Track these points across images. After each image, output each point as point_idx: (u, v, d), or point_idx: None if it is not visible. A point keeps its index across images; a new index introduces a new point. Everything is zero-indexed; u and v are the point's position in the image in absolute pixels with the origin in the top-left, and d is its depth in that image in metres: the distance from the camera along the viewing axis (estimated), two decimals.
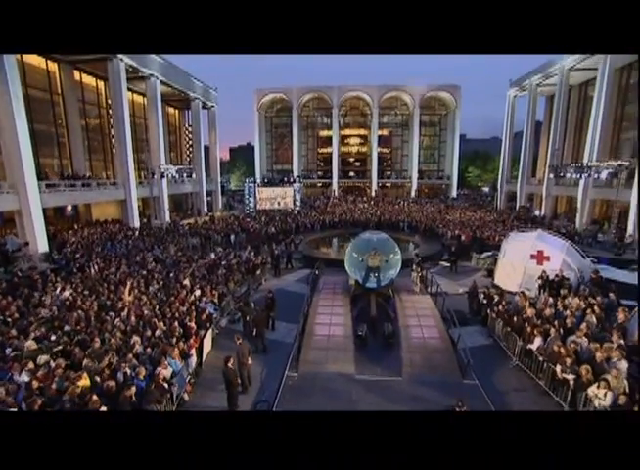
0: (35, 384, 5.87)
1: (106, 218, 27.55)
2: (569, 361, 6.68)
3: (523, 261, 13.70)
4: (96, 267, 12.94)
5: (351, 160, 53.84)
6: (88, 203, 26.19)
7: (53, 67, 25.05)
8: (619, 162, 21.20)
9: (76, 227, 23.93)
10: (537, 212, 33.44)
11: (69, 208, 26.27)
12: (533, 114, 36.25)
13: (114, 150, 29.82)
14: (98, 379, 6.07)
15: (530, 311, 9.10)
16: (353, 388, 7.60)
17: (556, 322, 8.31)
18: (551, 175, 29.85)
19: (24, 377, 6.06)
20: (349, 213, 30.31)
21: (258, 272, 14.44)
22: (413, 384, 7.71)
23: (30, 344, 6.98)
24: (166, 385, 6.25)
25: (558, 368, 6.79)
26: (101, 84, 29.80)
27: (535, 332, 7.98)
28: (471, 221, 26.76)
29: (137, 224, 26.19)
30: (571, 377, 6.46)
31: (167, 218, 29.83)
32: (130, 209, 26.33)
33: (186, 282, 11.11)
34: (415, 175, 48.20)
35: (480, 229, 22.92)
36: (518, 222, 26.63)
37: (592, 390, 5.92)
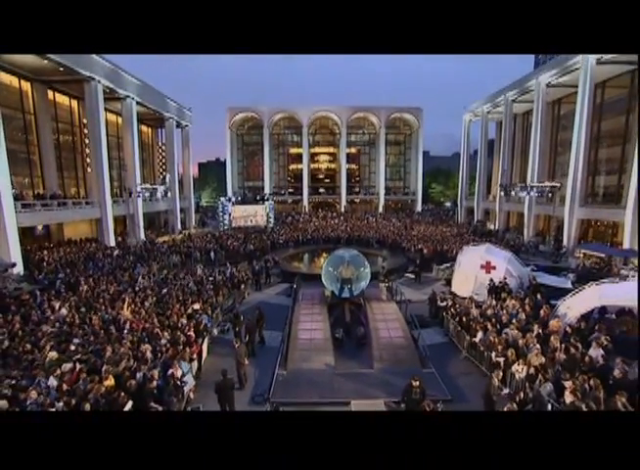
0: (64, 387, 6.87)
1: (79, 237, 27.41)
2: (500, 348, 8.63)
3: (474, 271, 15.77)
4: (86, 286, 13.60)
5: (321, 176, 56.10)
6: (61, 222, 26.06)
7: (26, 86, 25.17)
8: (552, 183, 24.64)
9: (50, 246, 23.82)
10: (492, 226, 36.87)
11: (40, 227, 25.94)
12: (486, 138, 40.37)
13: (88, 169, 29.92)
14: (120, 380, 7.15)
15: (475, 312, 11.14)
16: (334, 379, 9.12)
17: (493, 319, 10.35)
18: (501, 193, 33.44)
19: (53, 382, 7.02)
20: (321, 230, 31.85)
21: (242, 287, 15.68)
22: (383, 374, 9.39)
23: (53, 354, 7.89)
24: (179, 382, 7.44)
25: (493, 354, 8.72)
26: (74, 103, 29.97)
27: (478, 328, 9.95)
28: (433, 236, 28.98)
29: (113, 243, 26.37)
30: (501, 360, 8.39)
31: (142, 236, 30.11)
32: (106, 227, 26.52)
33: (180, 296, 12.19)
34: (382, 191, 50.98)
35: (440, 243, 25.17)
36: (474, 236, 29.22)
37: (514, 367, 7.83)
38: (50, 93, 26.92)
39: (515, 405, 6.41)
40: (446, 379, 9.15)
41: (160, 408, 6.74)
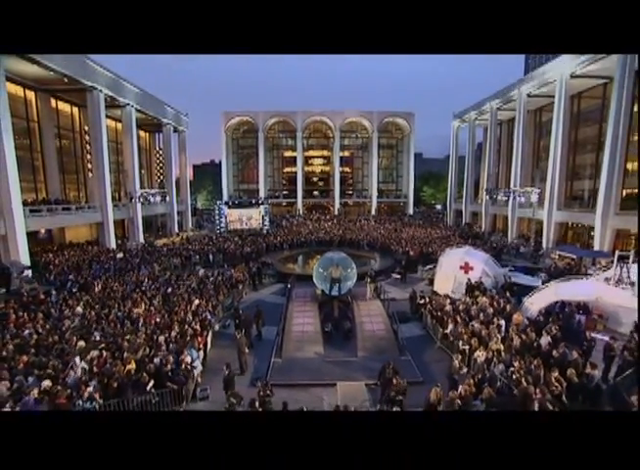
0: (95, 369, 8.14)
1: (80, 240, 28.43)
2: (466, 337, 10.03)
3: (454, 271, 17.13)
4: (99, 286, 14.81)
5: (315, 179, 57.41)
6: (64, 226, 27.02)
7: (30, 95, 26.19)
8: (532, 188, 26.25)
9: (54, 249, 24.83)
10: (479, 229, 38.37)
11: (43, 230, 26.92)
12: (473, 144, 42.02)
13: (89, 174, 30.97)
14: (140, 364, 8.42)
15: (448, 307, 12.56)
16: (323, 366, 10.47)
17: (462, 313, 11.78)
18: (487, 197, 35.00)
19: (84, 365, 8.27)
20: (315, 233, 32.96)
21: (240, 287, 16.97)
22: (365, 361, 10.77)
23: (81, 344, 9.13)
24: (190, 367, 8.71)
25: (460, 342, 10.11)
26: (75, 110, 30.98)
27: (449, 321, 11.36)
28: (421, 238, 30.14)
29: (114, 245, 27.42)
30: (466, 347, 9.78)
31: (142, 239, 31.16)
32: (107, 231, 27.55)
33: (185, 295, 13.47)
34: (375, 194, 52.38)
35: (427, 245, 26.52)
36: (461, 238, 29.93)
37: (476, 353, 9.23)
38: (53, 101, 27.94)
39: (472, 381, 7.78)
40: (421, 365, 10.55)
41: (176, 387, 8.01)
